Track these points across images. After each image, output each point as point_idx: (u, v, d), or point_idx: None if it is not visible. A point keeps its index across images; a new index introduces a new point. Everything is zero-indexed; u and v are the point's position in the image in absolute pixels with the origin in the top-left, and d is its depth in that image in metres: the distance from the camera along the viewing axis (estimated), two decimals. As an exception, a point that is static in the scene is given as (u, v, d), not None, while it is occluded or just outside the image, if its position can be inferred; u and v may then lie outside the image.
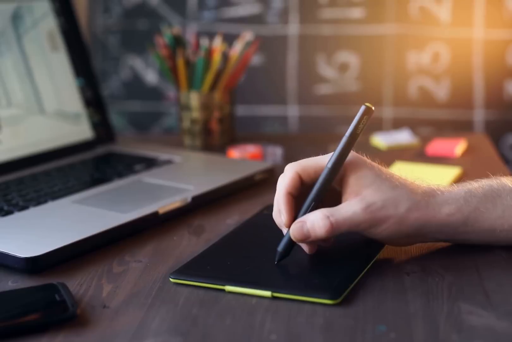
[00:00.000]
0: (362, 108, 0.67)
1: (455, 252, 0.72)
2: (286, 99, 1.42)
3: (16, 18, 1.02)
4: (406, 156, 1.08)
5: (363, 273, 0.68)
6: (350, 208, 0.67)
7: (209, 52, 1.13)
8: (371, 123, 1.35)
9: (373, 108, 0.67)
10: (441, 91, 1.37)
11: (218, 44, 1.13)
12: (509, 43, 1.34)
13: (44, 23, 1.05)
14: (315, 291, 0.64)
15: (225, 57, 1.13)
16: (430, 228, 0.69)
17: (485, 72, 1.35)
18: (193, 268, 0.69)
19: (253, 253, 0.72)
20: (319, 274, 0.67)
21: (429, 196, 0.69)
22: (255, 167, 0.96)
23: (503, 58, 1.34)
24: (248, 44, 1.14)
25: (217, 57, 1.11)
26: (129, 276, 0.71)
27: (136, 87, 1.46)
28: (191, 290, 0.67)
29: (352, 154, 0.68)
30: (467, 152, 1.10)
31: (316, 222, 0.66)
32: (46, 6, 1.06)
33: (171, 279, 0.68)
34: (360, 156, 0.69)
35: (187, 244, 0.78)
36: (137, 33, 1.45)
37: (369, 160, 0.69)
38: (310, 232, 0.66)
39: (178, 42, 1.15)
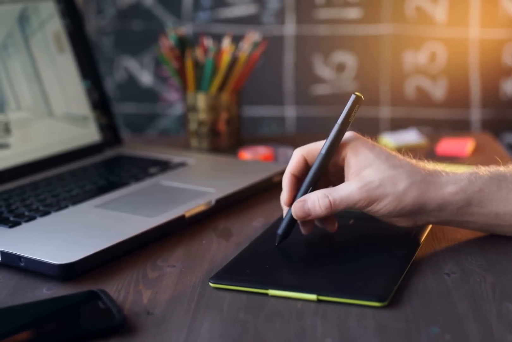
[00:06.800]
0: (353, 97, 0.70)
1: (489, 251, 0.73)
2: (283, 99, 1.41)
3: (22, 19, 1.00)
4: (417, 156, 1.07)
5: (404, 273, 0.68)
6: (348, 187, 0.70)
7: (218, 53, 1.12)
8: (370, 124, 1.39)
9: (362, 97, 0.70)
10: (438, 90, 1.37)
11: (227, 45, 1.12)
12: (505, 42, 1.34)
13: (50, 24, 1.03)
14: (361, 294, 0.63)
15: (233, 58, 1.12)
16: (432, 206, 0.70)
17: (481, 71, 1.35)
18: (232, 273, 0.68)
19: (288, 255, 0.72)
20: (361, 275, 0.67)
21: (432, 175, 0.70)
22: (272, 169, 0.95)
23: (499, 58, 1.35)
24: (255, 45, 1.13)
25: (226, 59, 1.10)
26: (166, 281, 0.69)
27: (131, 89, 1.44)
28: (232, 294, 0.66)
29: (353, 135, 0.72)
30: (476, 151, 1.10)
31: (316, 200, 0.70)
32: (52, 7, 1.04)
33: (210, 284, 0.67)
34: (361, 137, 0.72)
35: (218, 248, 0.77)
36: (132, 34, 1.43)
37: (370, 141, 0.72)
38: (310, 210, 0.70)
39: (183, 43, 1.14)
